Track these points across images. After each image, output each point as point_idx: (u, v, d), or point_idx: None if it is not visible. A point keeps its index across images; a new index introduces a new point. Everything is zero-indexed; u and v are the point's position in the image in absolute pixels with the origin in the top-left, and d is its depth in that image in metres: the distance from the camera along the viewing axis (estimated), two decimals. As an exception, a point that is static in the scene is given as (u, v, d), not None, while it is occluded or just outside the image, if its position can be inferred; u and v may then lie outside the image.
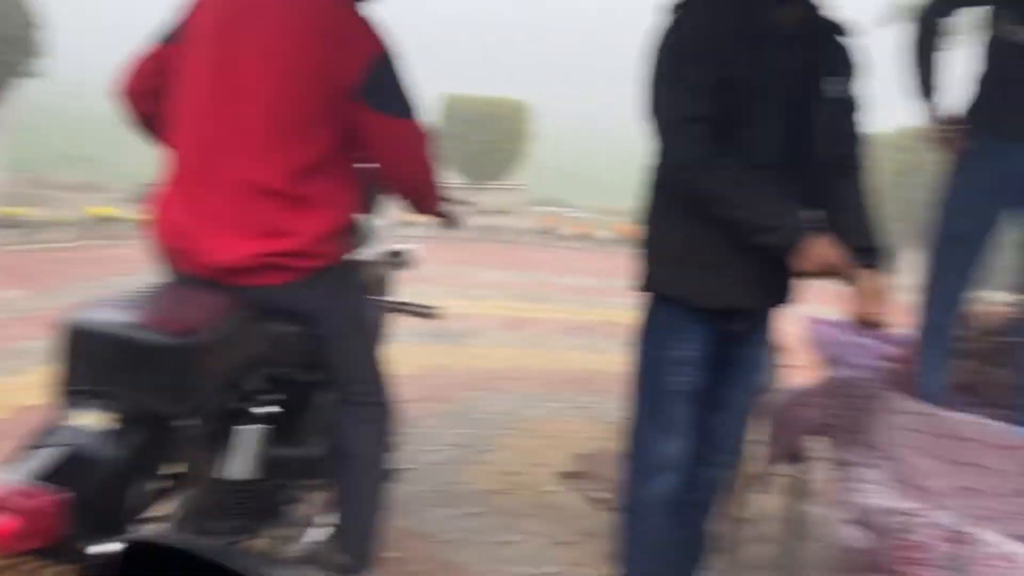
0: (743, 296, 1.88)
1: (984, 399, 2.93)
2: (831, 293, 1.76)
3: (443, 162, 2.05)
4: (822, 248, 1.72)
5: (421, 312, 2.42)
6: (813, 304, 2.44)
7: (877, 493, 1.30)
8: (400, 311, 2.50)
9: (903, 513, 1.16)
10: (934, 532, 1.11)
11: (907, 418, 1.84)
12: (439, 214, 2.17)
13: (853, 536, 1.22)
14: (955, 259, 2.59)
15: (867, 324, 1.74)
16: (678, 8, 1.82)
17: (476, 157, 10.74)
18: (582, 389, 4.22)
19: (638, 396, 1.95)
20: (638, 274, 1.94)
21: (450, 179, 11.91)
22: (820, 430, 1.92)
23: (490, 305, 6.19)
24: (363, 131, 1.73)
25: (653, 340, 1.91)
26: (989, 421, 2.02)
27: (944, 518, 1.16)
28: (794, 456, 2.00)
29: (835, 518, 1.31)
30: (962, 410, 2.56)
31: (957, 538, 1.09)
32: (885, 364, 3.07)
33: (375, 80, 1.70)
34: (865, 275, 1.75)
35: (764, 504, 2.96)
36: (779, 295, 1.95)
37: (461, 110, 10.75)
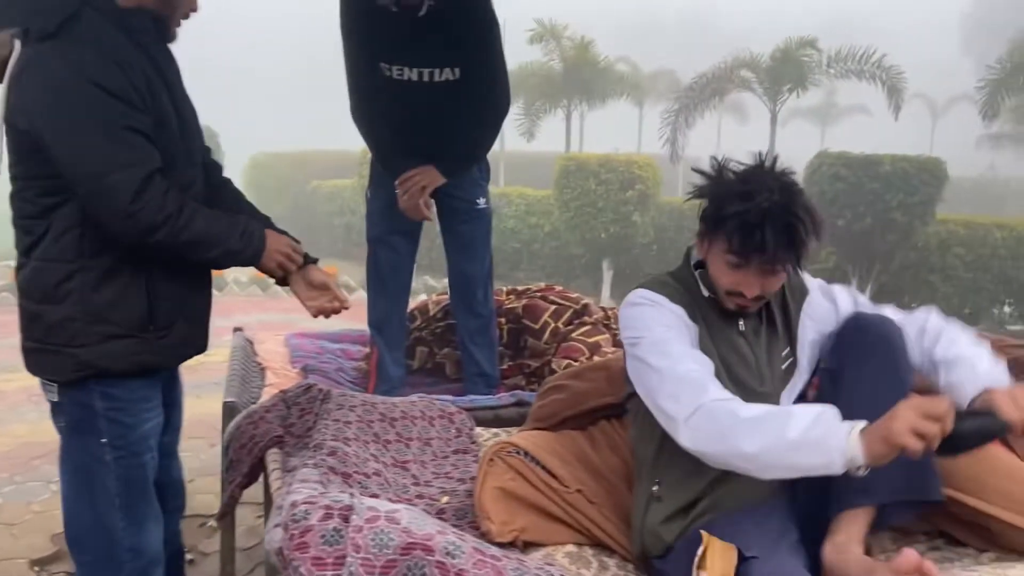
0: (196, 342, 1.86)
1: (445, 378, 3.38)
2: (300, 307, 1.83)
3: None
4: (281, 243, 1.81)
5: None
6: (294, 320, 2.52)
7: (298, 491, 1.39)
8: None
9: (305, 503, 1.26)
10: (323, 513, 1.23)
11: (345, 412, 2.00)
12: None
13: (275, 538, 1.28)
14: (384, 260, 2.93)
15: (326, 314, 1.86)
16: (51, 38, 1.56)
17: None
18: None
19: (101, 494, 1.72)
20: (69, 359, 1.65)
21: None
22: (275, 442, 1.99)
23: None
24: None
25: (113, 425, 1.70)
26: (416, 398, 2.31)
27: (341, 497, 1.28)
28: (255, 474, 2.04)
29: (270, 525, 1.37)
30: (427, 391, 2.91)
31: (343, 512, 1.22)
32: (355, 364, 3.34)
33: None
34: (310, 270, 1.86)
35: (251, 527, 2.99)
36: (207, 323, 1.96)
37: None
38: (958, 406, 1.36)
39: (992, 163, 24.50)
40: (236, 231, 1.74)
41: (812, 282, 1.76)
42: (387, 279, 2.94)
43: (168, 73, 1.73)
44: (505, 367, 3.35)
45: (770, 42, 12.97)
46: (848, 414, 1.36)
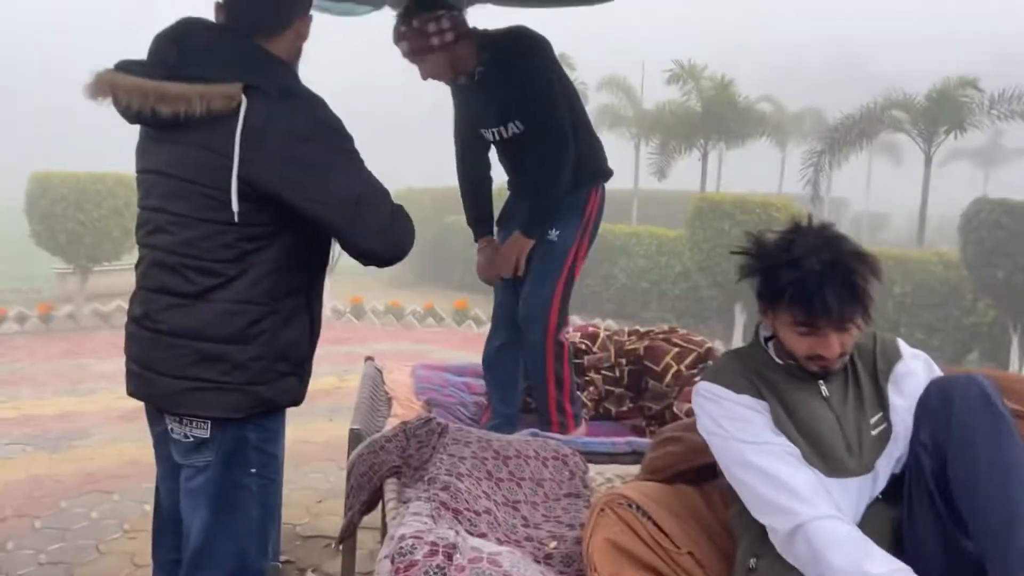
0: None
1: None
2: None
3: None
4: None
5: None
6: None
7: (407, 524, 1.44)
8: None
9: (412, 537, 1.30)
10: (429, 549, 1.26)
11: (460, 447, 2.05)
12: None
13: (383, 569, 1.33)
14: (497, 300, 3.03)
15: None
16: (290, 95, 1.66)
17: (79, 238, 9.68)
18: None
19: (243, 521, 1.77)
20: (250, 396, 1.70)
21: (55, 264, 10.69)
22: (393, 472, 2.05)
23: (103, 399, 5.63)
24: None
25: (261, 455, 1.77)
26: (530, 437, 2.33)
27: (447, 535, 1.31)
28: (375, 502, 2.11)
29: (381, 555, 1.42)
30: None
31: (447, 550, 1.25)
32: (476, 399, 3.40)
33: None
34: None
35: (372, 551, 3.07)
36: None
37: (56, 188, 9.62)
38: None
39: None
40: None
41: (907, 348, 1.68)
42: (497, 317, 3.06)
43: None
44: (625, 409, 3.32)
45: (925, 81, 12.33)
46: (955, 495, 1.38)
